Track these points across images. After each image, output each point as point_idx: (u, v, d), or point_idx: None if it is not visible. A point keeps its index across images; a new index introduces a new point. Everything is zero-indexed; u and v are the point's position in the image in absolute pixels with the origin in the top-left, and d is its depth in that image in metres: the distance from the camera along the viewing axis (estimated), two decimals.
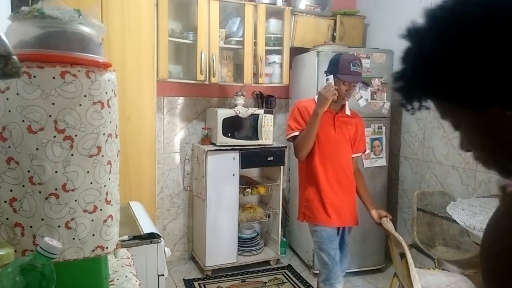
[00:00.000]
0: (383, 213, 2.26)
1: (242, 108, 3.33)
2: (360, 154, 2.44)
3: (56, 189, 0.88)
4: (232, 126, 3.29)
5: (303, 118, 2.28)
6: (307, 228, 2.44)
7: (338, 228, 2.34)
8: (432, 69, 0.61)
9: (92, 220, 0.93)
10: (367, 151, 3.31)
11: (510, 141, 0.59)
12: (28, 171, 0.86)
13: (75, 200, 0.90)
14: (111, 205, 0.97)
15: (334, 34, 3.69)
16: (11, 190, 0.86)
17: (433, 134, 3.22)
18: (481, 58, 0.56)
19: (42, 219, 0.88)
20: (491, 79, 0.56)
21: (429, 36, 0.62)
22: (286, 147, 3.44)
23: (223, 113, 3.25)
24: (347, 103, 2.35)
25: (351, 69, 2.19)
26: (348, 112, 2.36)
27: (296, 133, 2.29)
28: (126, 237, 1.79)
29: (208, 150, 3.20)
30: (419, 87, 0.65)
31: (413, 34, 0.66)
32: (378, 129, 3.34)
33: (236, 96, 3.46)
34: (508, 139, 0.59)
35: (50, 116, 0.85)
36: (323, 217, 2.26)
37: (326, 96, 2.13)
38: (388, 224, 2.15)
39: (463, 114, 0.63)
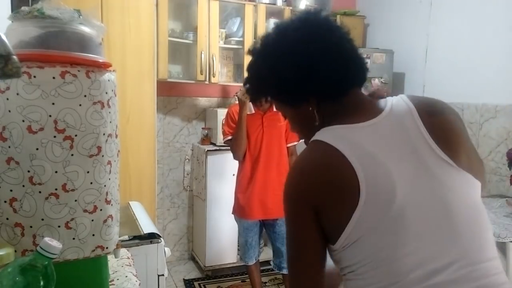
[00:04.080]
0: None
1: None
2: (295, 142, 2.60)
3: (56, 189, 0.88)
4: None
5: (234, 122, 2.48)
6: None
7: (264, 220, 2.58)
8: (264, 80, 0.92)
9: (92, 220, 0.93)
10: None
11: (312, 125, 0.90)
12: (28, 171, 0.86)
13: (75, 200, 0.90)
14: (111, 205, 0.97)
15: None
16: (11, 190, 0.86)
17: None
18: (288, 76, 0.87)
19: (42, 219, 0.88)
20: (298, 88, 0.87)
21: (260, 56, 0.93)
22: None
23: (223, 113, 3.24)
24: None
25: None
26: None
27: (230, 137, 2.53)
28: (126, 237, 1.79)
29: (208, 150, 3.21)
30: (258, 89, 0.98)
31: (252, 52, 0.95)
32: None
33: (236, 96, 3.45)
34: (311, 123, 0.90)
35: (50, 116, 0.85)
36: (245, 212, 2.53)
37: (243, 99, 2.35)
38: None
39: (287, 108, 0.95)
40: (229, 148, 2.96)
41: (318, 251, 0.83)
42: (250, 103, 2.42)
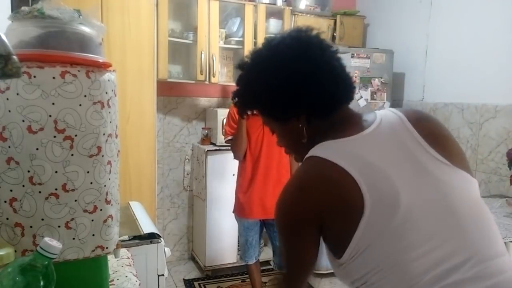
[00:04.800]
0: None
1: None
2: None
3: (56, 189, 0.88)
4: None
5: (235, 122, 2.50)
6: None
7: (265, 220, 2.59)
8: (255, 95, 0.92)
9: (92, 220, 0.93)
10: None
11: (299, 141, 0.91)
12: (28, 171, 0.86)
13: (75, 200, 0.90)
14: (111, 205, 0.97)
15: (334, 34, 3.69)
16: (11, 190, 0.86)
17: None
18: (280, 93, 0.88)
19: (42, 219, 0.88)
20: (290, 105, 0.88)
21: (251, 72, 0.93)
22: None
23: (223, 113, 3.24)
24: None
25: None
26: None
27: (231, 137, 2.55)
28: (126, 237, 1.79)
29: (208, 150, 3.21)
30: (248, 104, 0.98)
31: (242, 67, 0.95)
32: None
33: None
34: (299, 139, 0.91)
35: (50, 116, 0.85)
36: (246, 211, 2.54)
37: None
38: None
39: (275, 123, 0.96)
40: (229, 148, 2.98)
41: (313, 267, 0.89)
42: None
